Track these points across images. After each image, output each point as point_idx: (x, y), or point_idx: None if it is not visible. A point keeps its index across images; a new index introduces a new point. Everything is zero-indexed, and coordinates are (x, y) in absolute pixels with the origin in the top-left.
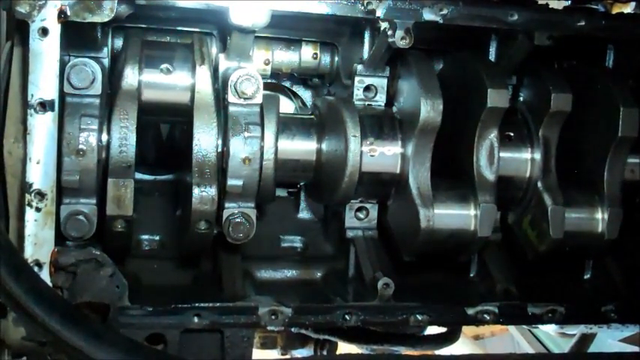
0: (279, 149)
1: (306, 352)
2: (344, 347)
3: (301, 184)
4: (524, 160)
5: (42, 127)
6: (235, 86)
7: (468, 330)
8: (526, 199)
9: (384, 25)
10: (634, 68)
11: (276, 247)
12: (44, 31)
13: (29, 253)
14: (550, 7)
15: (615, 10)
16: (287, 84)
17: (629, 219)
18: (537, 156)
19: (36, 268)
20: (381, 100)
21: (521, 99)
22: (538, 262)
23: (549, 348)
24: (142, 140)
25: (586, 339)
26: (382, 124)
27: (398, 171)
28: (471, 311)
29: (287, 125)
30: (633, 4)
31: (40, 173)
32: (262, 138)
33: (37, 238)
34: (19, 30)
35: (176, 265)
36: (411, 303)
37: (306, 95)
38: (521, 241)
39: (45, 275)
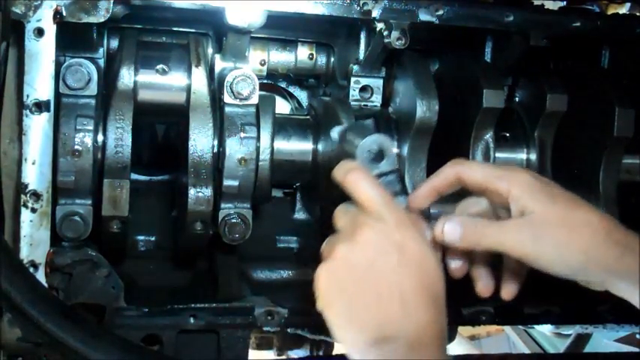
0: (275, 150)
1: (302, 352)
2: (340, 348)
3: (297, 184)
4: (520, 160)
5: (37, 127)
6: (231, 87)
7: (463, 330)
8: None
9: (379, 25)
10: (629, 68)
11: (272, 248)
12: (40, 32)
13: (25, 253)
14: (546, 7)
15: (610, 11)
16: (283, 84)
17: (624, 219)
18: (533, 156)
19: (32, 269)
20: (377, 100)
21: (516, 99)
22: None
23: (545, 348)
24: (138, 141)
25: (582, 339)
26: (378, 124)
27: None
28: (466, 311)
29: (283, 126)
30: (628, 4)
31: (35, 174)
32: (258, 139)
33: (33, 239)
34: (15, 30)
35: (172, 265)
36: None
37: (302, 96)
38: None
39: (41, 276)
